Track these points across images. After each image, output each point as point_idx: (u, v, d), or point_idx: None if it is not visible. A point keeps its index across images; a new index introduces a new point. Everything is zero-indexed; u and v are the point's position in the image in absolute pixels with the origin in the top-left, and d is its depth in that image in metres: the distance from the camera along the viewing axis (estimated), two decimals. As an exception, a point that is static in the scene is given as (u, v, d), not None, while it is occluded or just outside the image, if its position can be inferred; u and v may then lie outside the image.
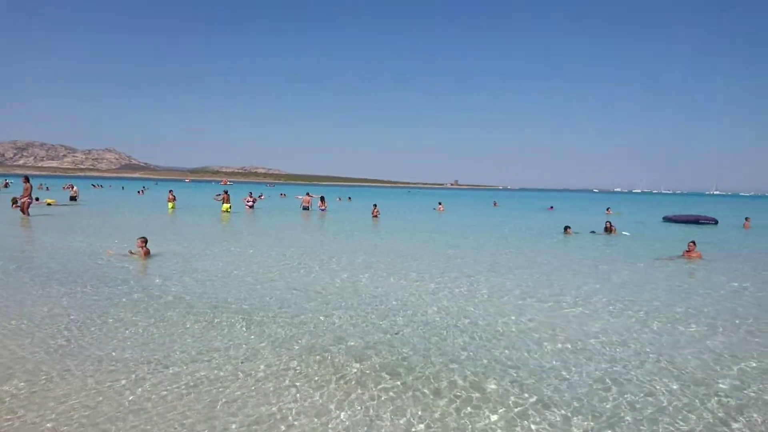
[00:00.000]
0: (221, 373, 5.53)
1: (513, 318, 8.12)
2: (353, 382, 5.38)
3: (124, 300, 8.63)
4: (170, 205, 32.93)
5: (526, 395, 5.15)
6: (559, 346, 6.74)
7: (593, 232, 23.19)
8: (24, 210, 23.56)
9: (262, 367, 5.76)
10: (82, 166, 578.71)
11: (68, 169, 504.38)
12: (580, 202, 78.50)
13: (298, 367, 5.77)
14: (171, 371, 5.56)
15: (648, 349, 6.69)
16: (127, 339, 6.62)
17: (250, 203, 34.03)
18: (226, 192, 31.34)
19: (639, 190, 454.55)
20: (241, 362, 5.89)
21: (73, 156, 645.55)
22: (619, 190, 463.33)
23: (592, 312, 8.67)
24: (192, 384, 5.23)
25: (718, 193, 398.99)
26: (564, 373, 5.78)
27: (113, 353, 6.08)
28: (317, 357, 6.11)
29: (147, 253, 12.83)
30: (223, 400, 4.90)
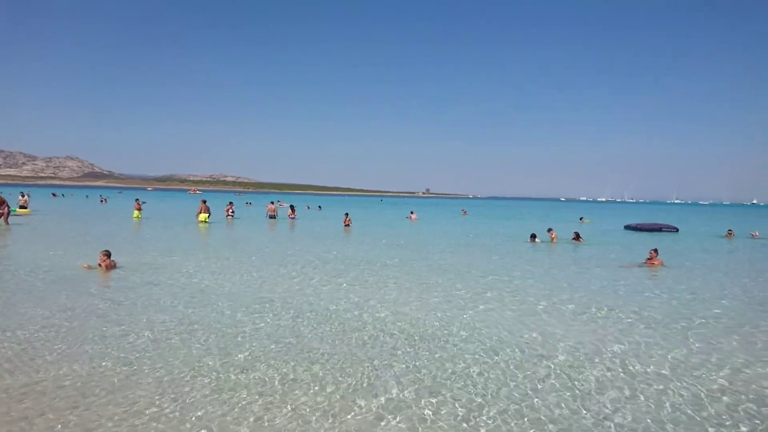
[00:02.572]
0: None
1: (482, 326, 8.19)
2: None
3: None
4: (136, 214, 32.19)
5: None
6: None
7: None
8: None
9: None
10: (42, 174, 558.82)
11: (27, 177, 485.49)
12: (548, 211, 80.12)
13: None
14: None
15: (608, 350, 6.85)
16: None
17: (232, 214, 33.85)
18: (204, 201, 30.84)
19: (603, 199, 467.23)
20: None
21: (33, 164, 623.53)
22: (584, 198, 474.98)
23: (542, 312, 8.83)
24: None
25: (678, 201, 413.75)
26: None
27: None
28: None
29: (110, 266, 12.41)
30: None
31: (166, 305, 9.11)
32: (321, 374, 5.90)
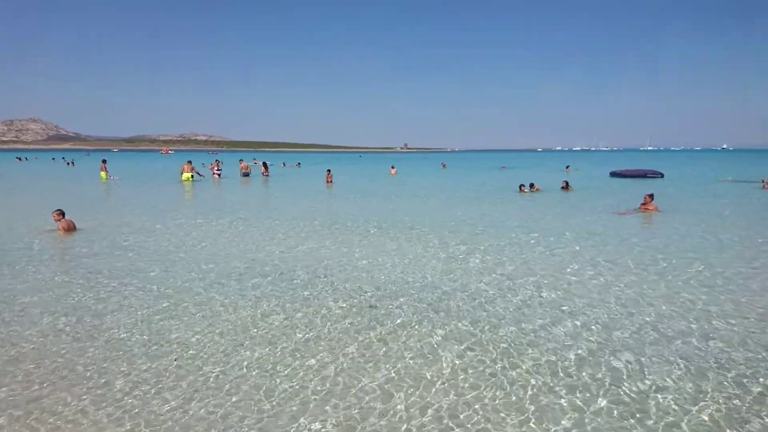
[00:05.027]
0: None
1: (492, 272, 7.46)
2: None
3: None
4: (103, 174, 31.06)
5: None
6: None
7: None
8: None
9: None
10: (4, 138, 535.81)
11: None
12: (530, 161, 79.88)
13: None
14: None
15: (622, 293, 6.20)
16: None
17: (218, 172, 32.77)
18: (189, 161, 30.44)
19: (578, 148, 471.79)
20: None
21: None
22: (559, 148, 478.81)
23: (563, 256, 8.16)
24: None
25: (651, 148, 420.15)
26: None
27: None
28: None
29: (68, 228, 11.24)
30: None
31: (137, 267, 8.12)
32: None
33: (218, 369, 4.62)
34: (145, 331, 5.51)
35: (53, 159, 79.03)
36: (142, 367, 4.64)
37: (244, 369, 4.64)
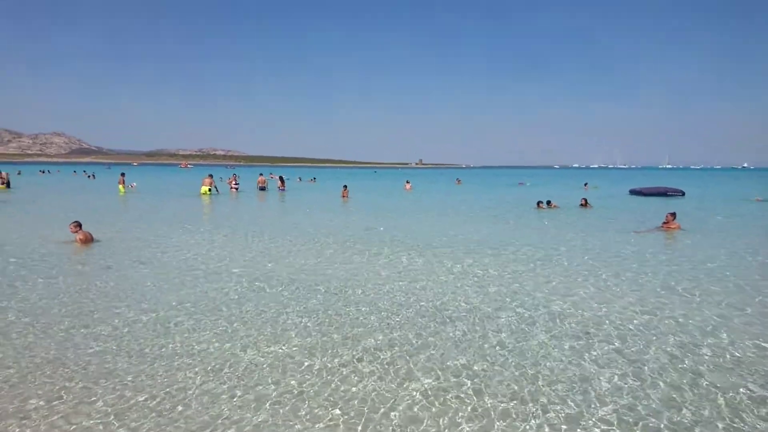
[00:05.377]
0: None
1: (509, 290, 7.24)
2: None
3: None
4: (121, 188, 31.60)
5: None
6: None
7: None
8: None
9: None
10: (29, 152, 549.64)
11: (14, 154, 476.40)
12: (547, 178, 79.21)
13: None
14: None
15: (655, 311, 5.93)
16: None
17: (236, 186, 33.22)
18: (210, 175, 31.31)
19: (596, 165, 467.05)
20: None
21: (19, 141, 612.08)
22: (576, 165, 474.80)
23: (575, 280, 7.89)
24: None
25: (670, 166, 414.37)
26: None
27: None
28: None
29: (86, 239, 11.31)
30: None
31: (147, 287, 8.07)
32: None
33: (240, 382, 4.49)
34: (168, 342, 5.42)
35: (74, 172, 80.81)
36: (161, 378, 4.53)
37: (267, 388, 4.50)
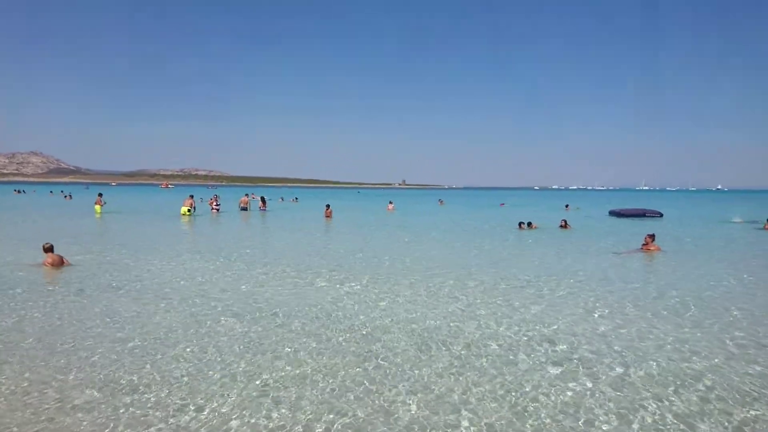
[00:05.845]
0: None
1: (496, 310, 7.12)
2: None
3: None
4: (98, 208, 30.80)
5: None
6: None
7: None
8: None
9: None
10: (5, 171, 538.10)
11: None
12: (528, 199, 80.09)
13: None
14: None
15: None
16: None
17: (217, 207, 32.81)
18: (191, 196, 31.21)
19: (575, 187, 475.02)
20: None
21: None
22: (556, 187, 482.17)
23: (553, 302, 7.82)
24: None
25: (647, 188, 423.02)
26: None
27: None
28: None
29: (56, 262, 10.89)
30: None
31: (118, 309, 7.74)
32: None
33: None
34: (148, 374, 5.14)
35: (51, 192, 79.13)
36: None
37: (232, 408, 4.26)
